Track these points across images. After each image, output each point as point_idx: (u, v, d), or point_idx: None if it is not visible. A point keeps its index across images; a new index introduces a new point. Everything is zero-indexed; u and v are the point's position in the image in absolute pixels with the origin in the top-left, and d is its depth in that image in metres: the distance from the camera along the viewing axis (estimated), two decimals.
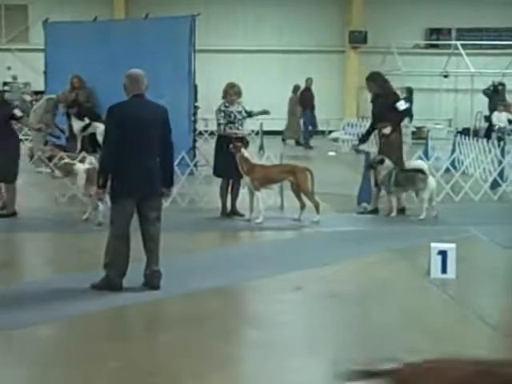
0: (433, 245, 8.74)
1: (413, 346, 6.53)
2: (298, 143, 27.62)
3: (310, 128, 27.74)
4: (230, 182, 12.41)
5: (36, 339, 6.67)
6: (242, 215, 12.40)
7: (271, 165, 13.01)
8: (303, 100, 27.14)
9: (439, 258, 8.62)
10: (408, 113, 20.97)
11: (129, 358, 6.20)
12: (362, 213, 12.83)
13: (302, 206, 12.23)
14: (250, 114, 12.84)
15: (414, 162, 13.03)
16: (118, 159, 7.86)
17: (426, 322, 7.34)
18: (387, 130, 12.71)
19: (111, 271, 7.96)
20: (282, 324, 7.21)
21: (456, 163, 16.90)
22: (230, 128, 12.31)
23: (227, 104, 12.42)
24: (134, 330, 7.14)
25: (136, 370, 5.93)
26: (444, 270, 8.62)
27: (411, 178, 12.45)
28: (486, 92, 27.19)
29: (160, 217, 8.18)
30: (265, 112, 12.84)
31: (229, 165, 12.00)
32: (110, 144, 7.95)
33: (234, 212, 12.48)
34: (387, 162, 12.47)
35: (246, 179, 12.06)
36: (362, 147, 14.27)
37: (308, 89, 27.28)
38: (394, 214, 12.48)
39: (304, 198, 12.18)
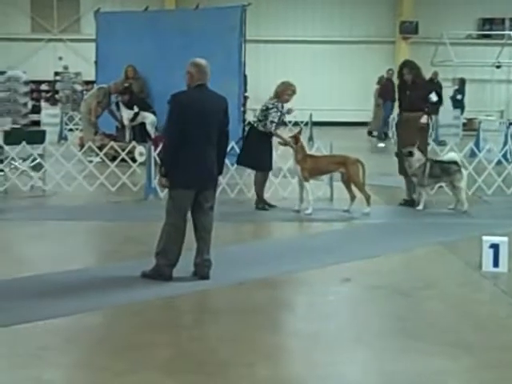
0: (484, 238, 8.64)
1: (463, 339, 6.47)
2: (370, 133, 27.29)
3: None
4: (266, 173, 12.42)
5: (85, 327, 6.73)
6: (274, 206, 12.41)
7: (322, 155, 12.96)
8: (383, 91, 26.68)
9: (491, 251, 8.51)
10: (440, 104, 20.92)
11: (179, 347, 6.23)
12: (402, 204, 12.74)
13: (352, 198, 12.17)
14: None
15: (447, 154, 12.86)
16: (181, 149, 7.87)
17: (477, 315, 7.26)
18: (424, 120, 12.66)
19: (162, 260, 7.99)
20: (329, 315, 7.18)
21: (508, 155, 16.68)
22: (265, 125, 12.13)
23: (279, 102, 12.26)
24: (184, 319, 7.16)
25: (186, 359, 5.96)
26: (496, 263, 8.51)
27: (446, 170, 12.32)
28: None
29: (213, 206, 8.22)
30: (288, 112, 12.71)
31: (260, 156, 12.06)
32: (174, 133, 7.89)
33: (266, 202, 12.47)
34: (417, 153, 12.36)
35: (296, 168, 12.02)
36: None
37: (389, 80, 26.78)
38: (420, 207, 12.35)
39: (354, 189, 12.12)
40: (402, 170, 12.77)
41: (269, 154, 12.27)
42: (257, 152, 12.11)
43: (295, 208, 12.12)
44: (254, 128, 12.34)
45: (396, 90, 13.16)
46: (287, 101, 12.32)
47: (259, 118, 12.28)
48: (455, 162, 12.35)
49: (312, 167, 12.01)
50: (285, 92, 12.25)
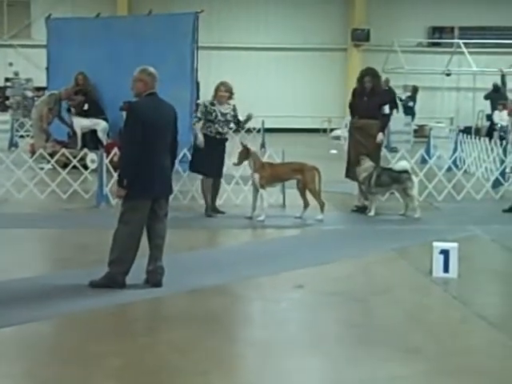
0: (435, 244, 8.72)
1: (416, 345, 6.52)
2: None
3: None
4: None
5: (35, 337, 6.65)
6: (222, 212, 12.41)
7: (280, 163, 12.99)
8: None
9: (441, 257, 8.60)
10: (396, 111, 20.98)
11: (131, 355, 6.18)
12: (354, 210, 12.84)
13: (306, 205, 12.22)
14: (238, 123, 12.68)
15: (398, 163, 12.98)
16: (142, 159, 7.84)
17: (428, 320, 7.33)
18: (381, 137, 12.83)
19: (116, 268, 7.94)
20: (283, 322, 7.19)
21: (458, 162, 16.88)
22: (208, 127, 12.18)
23: (214, 102, 12.28)
24: (137, 327, 7.11)
25: (138, 367, 5.92)
26: (446, 269, 8.60)
27: (396, 178, 12.43)
28: (486, 96, 27.09)
29: (167, 213, 8.23)
30: (248, 117, 12.73)
31: (209, 162, 12.04)
32: (134, 143, 7.83)
33: (214, 209, 12.47)
34: (367, 163, 12.45)
35: (254, 176, 12.04)
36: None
37: None
38: (372, 213, 12.46)
39: (309, 196, 12.17)
40: (349, 174, 12.90)
41: (216, 159, 12.23)
42: (205, 158, 12.11)
43: (248, 215, 12.13)
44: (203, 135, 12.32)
45: (351, 96, 13.16)
46: (222, 98, 12.27)
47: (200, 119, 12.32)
48: (405, 170, 12.47)
49: (270, 175, 12.05)
50: (218, 90, 12.29)
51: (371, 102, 12.69)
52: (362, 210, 12.74)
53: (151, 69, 8.10)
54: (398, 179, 12.42)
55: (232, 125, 12.48)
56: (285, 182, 12.63)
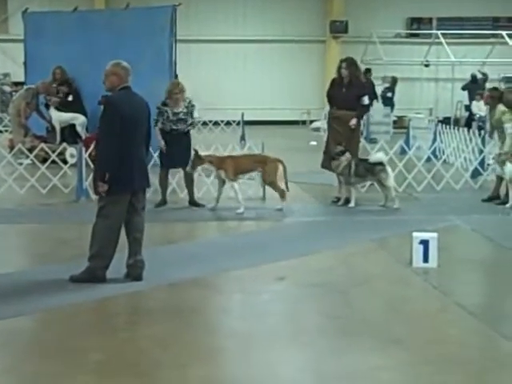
0: (414, 234, 8.77)
1: (397, 334, 6.55)
2: None
3: None
4: (170, 172, 12.59)
5: (15, 332, 6.62)
6: (202, 205, 12.46)
7: (242, 155, 13.00)
8: None
9: (421, 247, 8.64)
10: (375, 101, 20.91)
11: (111, 349, 6.18)
12: (335, 202, 12.87)
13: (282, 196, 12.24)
14: (192, 124, 12.67)
15: (374, 155, 13.02)
16: (121, 153, 7.82)
17: (408, 311, 7.36)
18: (354, 122, 12.79)
19: (97, 262, 7.92)
20: (264, 314, 7.21)
21: (437, 152, 16.95)
22: (163, 125, 12.30)
23: (166, 102, 12.32)
24: (117, 321, 7.10)
25: (119, 361, 5.92)
26: (426, 259, 8.64)
27: (371, 169, 12.47)
28: (464, 87, 27.20)
29: (145, 206, 8.24)
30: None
31: (167, 154, 12.21)
32: (113, 136, 7.80)
33: (193, 203, 12.52)
34: (344, 154, 12.50)
35: (219, 173, 12.10)
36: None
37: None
38: (352, 204, 12.50)
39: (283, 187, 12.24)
40: (325, 164, 12.92)
41: (174, 151, 12.23)
42: (165, 151, 12.31)
43: (210, 206, 12.23)
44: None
45: (330, 86, 13.13)
46: (177, 99, 12.29)
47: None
48: (380, 162, 12.49)
49: (233, 167, 12.09)
50: (172, 92, 12.33)
51: (349, 93, 12.69)
52: (341, 201, 12.76)
53: (124, 63, 8.08)
54: (373, 171, 12.46)
55: (189, 120, 12.44)
56: (248, 173, 12.59)
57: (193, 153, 12.13)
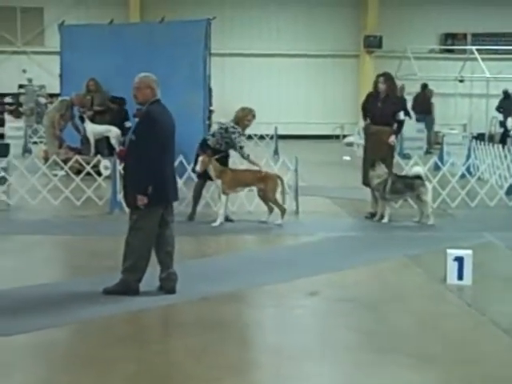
0: (449, 251, 8.70)
1: (429, 352, 6.50)
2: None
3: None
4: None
5: (50, 343, 6.66)
6: (231, 221, 12.43)
7: (244, 169, 12.94)
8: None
9: (455, 264, 8.57)
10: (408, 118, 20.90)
11: (144, 361, 6.19)
12: (368, 217, 12.82)
13: (270, 210, 12.30)
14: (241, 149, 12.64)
15: (412, 168, 12.95)
16: (161, 165, 7.92)
17: (442, 328, 7.30)
18: (393, 139, 12.81)
19: (131, 275, 7.94)
20: (296, 329, 7.19)
21: (471, 169, 16.83)
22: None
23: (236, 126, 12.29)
24: (150, 333, 7.12)
25: (152, 373, 5.93)
26: (460, 276, 8.57)
27: (410, 185, 12.40)
28: (498, 107, 27.03)
29: (174, 220, 8.25)
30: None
31: None
32: (155, 150, 7.82)
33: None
34: (380, 168, 12.42)
35: (217, 182, 12.12)
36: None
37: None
38: (386, 220, 12.43)
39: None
40: (366, 181, 12.88)
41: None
42: None
43: (214, 224, 12.10)
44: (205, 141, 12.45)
45: (365, 100, 13.13)
46: (247, 126, 12.38)
47: (215, 135, 12.34)
48: (419, 177, 12.42)
49: (232, 180, 12.11)
50: (245, 118, 12.34)
51: (385, 108, 12.66)
52: (374, 216, 12.71)
53: (153, 75, 8.12)
54: (412, 186, 12.39)
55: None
56: (246, 187, 12.57)
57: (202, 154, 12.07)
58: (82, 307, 7.62)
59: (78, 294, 8.06)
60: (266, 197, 12.23)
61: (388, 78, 12.87)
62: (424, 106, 26.68)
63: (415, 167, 13.00)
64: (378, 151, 12.62)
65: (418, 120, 26.54)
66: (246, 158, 12.31)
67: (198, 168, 12.07)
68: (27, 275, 9.00)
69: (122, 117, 18.33)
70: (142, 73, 8.14)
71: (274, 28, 33.29)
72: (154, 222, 7.97)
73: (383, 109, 12.66)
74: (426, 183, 12.47)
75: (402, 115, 12.95)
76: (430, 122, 26.86)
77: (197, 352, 6.43)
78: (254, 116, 12.40)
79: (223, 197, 12.11)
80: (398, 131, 13.09)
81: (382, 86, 12.72)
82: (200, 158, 11.97)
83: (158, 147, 7.85)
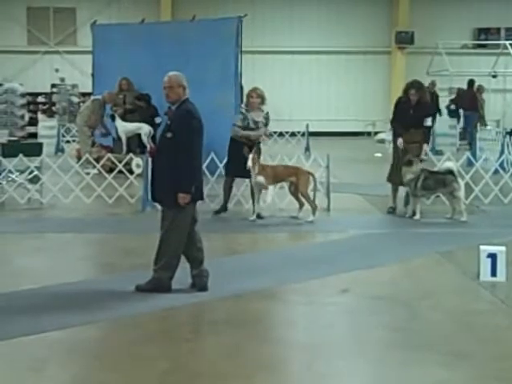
0: (482, 247, 8.63)
1: (463, 349, 6.46)
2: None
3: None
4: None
5: (83, 340, 6.71)
6: (261, 218, 12.43)
7: (276, 165, 13.12)
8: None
9: (489, 260, 8.51)
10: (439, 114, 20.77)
11: (176, 359, 6.21)
12: (390, 212, 12.84)
13: (301, 205, 12.39)
14: (270, 135, 12.85)
15: (444, 163, 12.86)
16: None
17: (476, 324, 7.25)
18: (426, 148, 12.90)
19: (165, 273, 7.97)
20: (328, 326, 7.17)
21: (505, 164, 16.69)
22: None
23: (247, 108, 12.43)
24: (182, 331, 7.14)
25: (183, 371, 5.94)
26: (494, 272, 8.51)
27: (442, 181, 12.33)
28: None
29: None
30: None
31: (242, 164, 12.09)
32: (197, 149, 7.96)
33: (257, 215, 12.46)
34: (415, 165, 12.36)
35: (259, 180, 12.12)
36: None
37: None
38: (417, 217, 12.37)
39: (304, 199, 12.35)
40: (391, 178, 12.83)
41: (238, 161, 12.21)
42: (231, 159, 12.49)
43: (261, 215, 12.34)
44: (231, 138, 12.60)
45: (396, 106, 13.12)
46: (254, 104, 12.40)
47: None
48: (451, 172, 12.34)
49: (272, 176, 12.22)
50: (249, 96, 12.50)
51: (416, 114, 12.66)
52: (395, 211, 12.77)
53: (182, 74, 8.14)
54: (444, 182, 12.32)
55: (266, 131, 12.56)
56: (282, 182, 12.61)
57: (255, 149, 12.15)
58: (114, 305, 7.66)
59: (110, 292, 8.10)
60: (298, 191, 12.26)
61: (419, 88, 12.86)
62: (471, 102, 26.44)
63: (447, 162, 12.91)
64: (407, 150, 12.57)
65: (465, 117, 26.32)
66: (234, 132, 12.43)
67: (249, 164, 12.09)
68: (60, 273, 9.06)
69: (151, 113, 18.38)
70: (171, 72, 8.15)
71: (305, 25, 33.25)
72: (189, 219, 8.01)
73: (415, 115, 12.65)
74: (459, 179, 12.39)
75: (429, 121, 12.98)
76: (474, 119, 26.49)
77: (228, 350, 6.44)
78: (258, 95, 12.44)
79: (271, 188, 12.35)
80: (427, 138, 13.08)
81: (414, 98, 12.70)
82: (250, 156, 12.01)
83: (199, 145, 7.96)
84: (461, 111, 26.78)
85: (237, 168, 12.28)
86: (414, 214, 12.45)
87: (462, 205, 12.33)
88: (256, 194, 12.32)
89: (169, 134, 7.99)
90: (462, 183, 12.43)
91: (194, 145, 7.93)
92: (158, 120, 17.79)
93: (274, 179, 12.33)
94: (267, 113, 12.61)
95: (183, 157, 7.86)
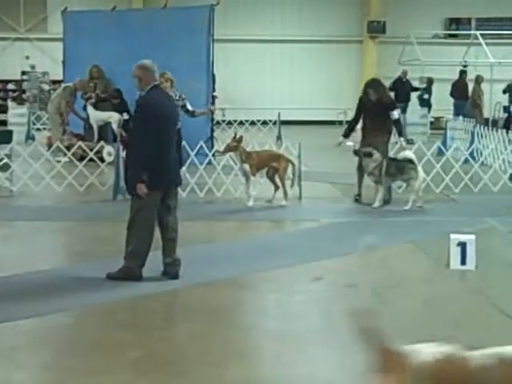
0: (452, 236, 8.69)
1: (433, 335, 6.49)
2: None
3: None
4: None
5: (54, 328, 6.69)
6: None
7: (261, 150, 13.35)
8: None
9: (459, 249, 8.57)
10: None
11: (148, 347, 6.21)
12: (356, 200, 12.93)
13: (276, 189, 12.66)
14: (193, 114, 13.06)
15: (402, 152, 12.91)
16: (156, 152, 7.89)
17: (448, 313, 7.30)
18: (403, 142, 13.13)
19: (133, 261, 7.96)
20: (299, 314, 7.21)
21: (475, 154, 16.81)
22: None
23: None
24: (153, 319, 7.13)
25: (155, 359, 5.94)
26: (463, 261, 8.57)
27: (402, 168, 12.41)
28: (505, 90, 26.90)
29: (177, 206, 8.24)
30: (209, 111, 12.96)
31: None
32: (151, 138, 7.84)
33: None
34: (376, 155, 12.44)
35: (244, 167, 12.33)
36: (349, 143, 14.16)
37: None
38: (376, 204, 12.45)
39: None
40: (360, 168, 12.91)
41: None
42: None
43: (248, 204, 12.36)
44: None
45: (358, 107, 13.18)
46: (165, 88, 12.37)
47: None
48: (410, 161, 12.40)
49: (257, 163, 12.42)
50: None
51: (379, 110, 12.70)
52: (360, 197, 12.89)
53: (145, 61, 8.09)
54: (403, 170, 12.38)
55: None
56: (265, 167, 12.74)
57: (233, 136, 12.46)
58: (85, 293, 7.64)
59: (80, 280, 8.08)
60: (279, 175, 12.48)
61: (376, 88, 12.92)
62: (462, 91, 26.52)
63: (406, 151, 12.93)
64: (374, 139, 12.63)
65: (455, 106, 26.41)
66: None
67: (220, 150, 12.48)
68: (30, 261, 9.02)
69: (122, 109, 18.28)
70: (142, 60, 8.14)
71: (278, 14, 33.20)
72: (151, 207, 7.96)
73: (377, 114, 12.69)
74: (419, 168, 12.44)
75: (395, 114, 13.00)
76: (463, 107, 26.49)
77: (200, 337, 6.45)
78: (167, 79, 12.36)
79: (253, 178, 12.49)
80: (399, 131, 13.14)
81: (373, 98, 12.76)
82: (228, 141, 12.17)
83: (152, 133, 7.84)
84: (451, 100, 26.92)
85: None
86: (386, 202, 12.51)
87: (413, 194, 12.34)
88: (245, 182, 12.53)
89: (131, 124, 8.05)
90: (421, 173, 12.46)
91: (147, 133, 7.85)
92: (125, 116, 17.66)
93: (259, 165, 12.49)
94: (180, 95, 12.78)
95: (137, 145, 7.95)
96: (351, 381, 5.67)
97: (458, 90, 26.46)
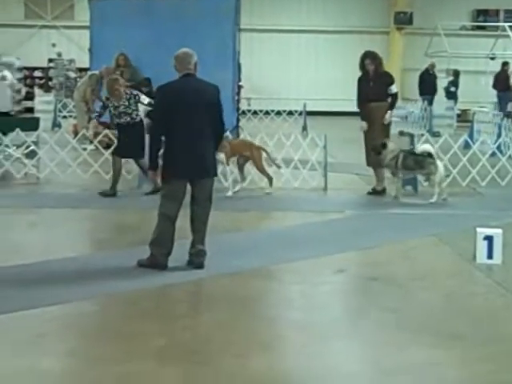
0: (479, 230, 8.65)
1: (458, 330, 6.48)
2: None
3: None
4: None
5: (80, 315, 6.73)
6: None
7: (233, 139, 13.59)
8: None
9: (485, 243, 8.52)
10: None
11: (172, 336, 6.23)
12: (371, 193, 12.81)
13: (243, 179, 12.98)
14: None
15: (421, 146, 12.81)
16: (168, 141, 7.89)
17: (470, 306, 7.28)
18: (388, 117, 12.76)
19: (157, 249, 7.99)
20: (323, 306, 7.19)
21: (502, 147, 16.69)
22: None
23: (109, 97, 12.66)
24: (178, 308, 7.16)
25: (179, 348, 5.96)
26: (490, 255, 8.52)
27: (420, 162, 12.28)
28: None
29: (211, 198, 8.17)
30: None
31: (125, 146, 12.54)
32: (157, 125, 8.00)
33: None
34: (390, 145, 12.37)
35: (219, 156, 12.16)
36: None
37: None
38: (394, 194, 12.43)
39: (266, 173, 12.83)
40: (370, 162, 12.79)
41: (125, 142, 12.54)
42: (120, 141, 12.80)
43: (228, 194, 12.49)
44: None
45: (358, 86, 13.10)
46: (119, 93, 12.57)
47: None
48: (430, 155, 12.28)
49: (230, 151, 12.59)
50: (113, 87, 12.61)
51: (378, 85, 12.65)
52: (378, 193, 12.77)
53: (180, 51, 8.07)
54: (422, 164, 12.26)
55: (133, 113, 12.54)
56: (237, 156, 12.88)
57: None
58: (109, 280, 7.68)
59: (105, 268, 8.11)
60: (257, 166, 12.72)
61: (373, 57, 12.85)
62: (504, 83, 26.39)
63: (424, 145, 12.83)
64: (378, 130, 12.54)
65: (498, 97, 26.31)
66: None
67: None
68: (56, 248, 9.08)
69: (150, 97, 18.27)
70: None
71: (304, 3, 33.12)
72: (171, 195, 7.95)
73: (374, 86, 12.62)
74: (438, 162, 12.34)
75: (394, 88, 12.88)
76: (507, 99, 26.39)
77: (224, 327, 6.46)
78: (122, 85, 12.65)
79: (228, 168, 12.67)
80: (392, 105, 12.95)
81: (371, 67, 12.68)
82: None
83: (159, 123, 7.92)
84: (494, 92, 26.83)
85: (122, 150, 12.57)
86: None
87: (436, 188, 12.26)
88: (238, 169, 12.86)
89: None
90: (441, 166, 12.36)
91: (156, 122, 8.07)
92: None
93: (232, 155, 12.67)
94: (131, 93, 12.78)
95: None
96: (374, 374, 5.67)
97: (500, 81, 26.34)
